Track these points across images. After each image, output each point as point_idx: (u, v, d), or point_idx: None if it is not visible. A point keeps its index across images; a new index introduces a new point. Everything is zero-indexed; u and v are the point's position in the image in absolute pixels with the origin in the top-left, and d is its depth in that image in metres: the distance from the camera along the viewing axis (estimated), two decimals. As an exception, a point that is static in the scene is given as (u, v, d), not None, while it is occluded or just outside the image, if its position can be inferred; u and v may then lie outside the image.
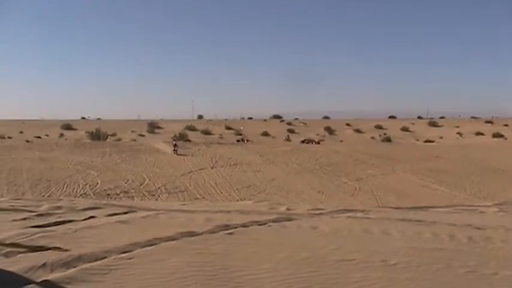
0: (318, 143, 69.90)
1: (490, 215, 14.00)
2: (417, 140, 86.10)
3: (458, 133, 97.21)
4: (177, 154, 45.82)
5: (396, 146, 66.65)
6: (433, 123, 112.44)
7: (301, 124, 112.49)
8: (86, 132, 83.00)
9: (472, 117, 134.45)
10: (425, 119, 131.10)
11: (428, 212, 14.17)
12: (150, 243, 8.65)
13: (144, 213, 11.70)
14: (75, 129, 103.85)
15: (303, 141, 71.72)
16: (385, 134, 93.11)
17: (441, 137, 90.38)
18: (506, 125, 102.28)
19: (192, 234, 9.37)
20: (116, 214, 11.61)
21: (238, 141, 73.45)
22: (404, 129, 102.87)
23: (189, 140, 67.50)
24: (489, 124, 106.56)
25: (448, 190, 32.07)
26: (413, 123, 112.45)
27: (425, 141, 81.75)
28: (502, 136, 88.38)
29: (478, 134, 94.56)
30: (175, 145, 50.49)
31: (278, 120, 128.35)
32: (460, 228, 10.73)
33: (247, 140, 73.39)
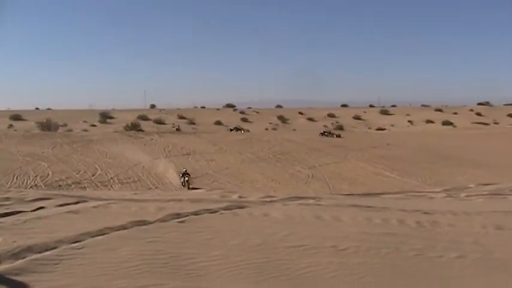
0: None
1: (439, 200, 14.28)
2: (369, 128, 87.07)
3: (409, 121, 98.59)
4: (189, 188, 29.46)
5: (349, 134, 67.21)
6: (384, 112, 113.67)
7: (254, 113, 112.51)
8: (36, 122, 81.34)
9: (423, 106, 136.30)
10: (377, 107, 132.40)
11: (379, 198, 14.40)
12: (101, 232, 8.59)
13: (95, 203, 11.61)
14: (25, 120, 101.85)
15: (231, 130, 72.53)
16: (337, 122, 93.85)
17: (392, 125, 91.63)
18: (455, 113, 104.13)
19: (143, 223, 9.34)
20: (66, 204, 11.48)
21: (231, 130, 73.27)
22: (357, 117, 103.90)
23: (141, 130, 66.89)
24: (439, 112, 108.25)
25: (399, 177, 32.55)
26: (365, 112, 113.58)
27: (377, 129, 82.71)
28: (451, 124, 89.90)
29: (429, 121, 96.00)
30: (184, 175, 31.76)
31: (231, 109, 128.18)
32: (409, 213, 10.91)
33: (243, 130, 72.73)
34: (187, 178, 29.95)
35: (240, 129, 73.09)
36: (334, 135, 59.39)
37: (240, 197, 13.09)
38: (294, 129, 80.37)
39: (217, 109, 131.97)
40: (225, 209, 11.00)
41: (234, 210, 10.91)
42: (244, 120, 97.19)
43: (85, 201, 11.95)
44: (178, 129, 70.45)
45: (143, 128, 70.61)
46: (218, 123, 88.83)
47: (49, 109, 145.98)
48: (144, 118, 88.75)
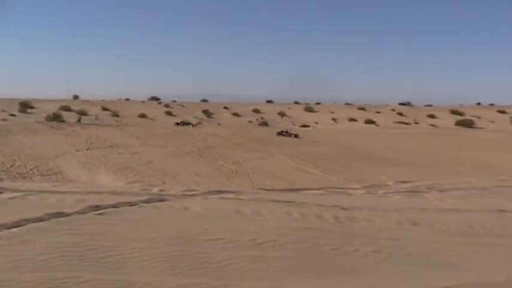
0: (196, 125, 69.57)
1: (358, 196, 14.59)
2: (294, 124, 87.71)
3: (333, 119, 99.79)
4: None
5: (274, 130, 67.61)
6: (309, 109, 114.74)
7: (179, 106, 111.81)
8: (-50, 112, 78.41)
9: (347, 104, 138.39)
10: (302, 104, 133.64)
11: (299, 193, 14.59)
12: (17, 224, 8.42)
13: (12, 195, 11.32)
14: None
15: (178, 124, 70.95)
16: (262, 118, 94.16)
17: (317, 122, 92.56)
18: (378, 112, 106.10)
19: (61, 215, 9.20)
20: (-20, 196, 11.18)
21: (178, 124, 71.32)
22: (281, 113, 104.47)
23: (63, 121, 65.44)
24: (362, 111, 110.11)
25: (322, 174, 32.96)
26: (289, 108, 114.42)
27: (302, 126, 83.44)
28: (373, 122, 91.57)
29: (352, 120, 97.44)
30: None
31: (156, 102, 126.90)
32: (328, 208, 11.12)
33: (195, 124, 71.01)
34: None
35: (188, 124, 71.80)
36: (292, 135, 59.10)
37: (161, 190, 13.01)
38: (219, 124, 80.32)
39: (142, 102, 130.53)
40: (145, 202, 10.94)
41: (153, 203, 10.86)
42: (169, 113, 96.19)
43: (0, 192, 11.64)
44: (79, 121, 68.29)
45: (65, 119, 69.06)
46: (142, 115, 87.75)
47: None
48: (66, 109, 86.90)
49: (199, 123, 75.89)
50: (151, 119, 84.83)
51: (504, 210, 12.09)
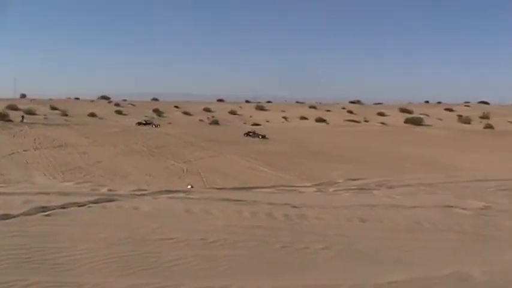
0: (158, 126, 68.65)
1: (308, 194, 14.69)
2: (245, 123, 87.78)
3: (284, 117, 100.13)
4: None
5: (225, 129, 67.69)
6: (260, 107, 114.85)
7: (130, 105, 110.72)
8: None
9: (298, 102, 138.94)
10: (253, 102, 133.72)
11: (250, 192, 14.62)
12: (-39, 227, 8.24)
13: (-44, 196, 11.07)
14: None
15: (139, 123, 70.08)
16: (213, 116, 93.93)
17: (268, 121, 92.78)
18: (328, 111, 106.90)
19: (7, 216, 9.03)
20: None
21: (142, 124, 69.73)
22: (232, 112, 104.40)
23: (10, 120, 64.14)
24: (313, 109, 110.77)
25: (274, 172, 33.06)
26: (241, 107, 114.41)
27: (253, 125, 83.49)
28: (324, 121, 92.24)
29: (303, 118, 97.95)
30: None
31: (106, 101, 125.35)
32: (278, 207, 11.18)
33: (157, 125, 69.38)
34: None
35: (149, 123, 70.76)
36: (260, 136, 58.60)
37: (110, 190, 12.88)
38: (170, 123, 79.78)
39: (92, 101, 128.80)
40: (94, 202, 10.81)
41: (103, 204, 10.75)
42: (119, 112, 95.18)
43: None
44: (22, 120, 66.71)
45: (12, 118, 67.63)
46: (92, 115, 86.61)
47: None
48: (13, 108, 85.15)
49: (158, 124, 74.96)
50: (101, 118, 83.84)
51: (451, 206, 12.35)
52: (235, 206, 10.96)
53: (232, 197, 12.35)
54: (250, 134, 59.75)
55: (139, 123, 70.67)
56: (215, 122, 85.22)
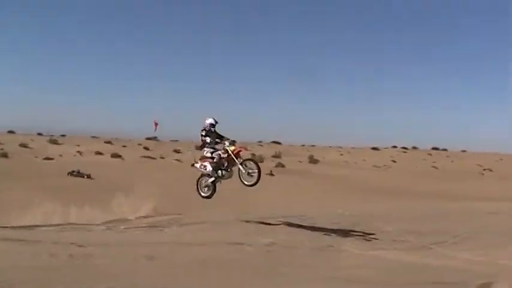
0: None
1: (97, 233, 14.45)
2: (36, 156, 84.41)
3: (78, 151, 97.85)
4: None
5: (16, 162, 64.45)
6: (54, 141, 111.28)
7: None
8: None
9: (93, 137, 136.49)
10: (46, 135, 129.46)
11: (33, 231, 14.04)
12: None
13: None
14: None
15: None
16: (2, 149, 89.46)
17: (61, 155, 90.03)
18: (124, 146, 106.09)
19: None
20: None
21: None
22: (23, 145, 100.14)
23: None
24: (109, 144, 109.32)
25: (63, 208, 31.89)
26: (32, 140, 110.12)
27: (45, 159, 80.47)
28: (120, 156, 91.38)
29: (98, 153, 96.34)
30: None
31: None
32: (63, 246, 10.85)
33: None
34: None
35: None
36: (85, 176, 54.44)
37: None
38: None
39: None
40: None
41: None
42: None
43: None
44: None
45: None
46: None
47: None
48: None
49: None
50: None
51: (241, 243, 12.68)
52: (16, 247, 10.46)
53: (14, 236, 11.79)
54: (74, 173, 56.23)
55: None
56: (4, 155, 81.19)
